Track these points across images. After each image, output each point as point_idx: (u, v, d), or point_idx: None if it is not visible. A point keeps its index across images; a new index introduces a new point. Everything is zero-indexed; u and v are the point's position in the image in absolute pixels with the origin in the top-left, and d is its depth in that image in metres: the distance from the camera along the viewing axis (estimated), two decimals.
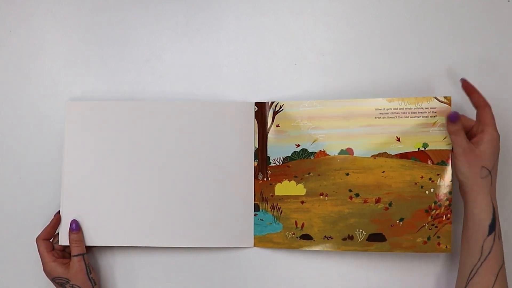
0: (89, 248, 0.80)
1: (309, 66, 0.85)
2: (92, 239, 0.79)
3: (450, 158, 0.77)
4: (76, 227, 0.78)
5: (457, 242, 0.80)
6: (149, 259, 0.83)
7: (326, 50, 0.85)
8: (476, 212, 0.71)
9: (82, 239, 0.78)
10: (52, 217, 0.80)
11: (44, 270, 0.78)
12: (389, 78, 0.84)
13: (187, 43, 0.86)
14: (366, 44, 0.85)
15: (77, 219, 0.79)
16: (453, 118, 0.73)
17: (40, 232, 0.79)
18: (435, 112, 0.78)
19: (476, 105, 0.74)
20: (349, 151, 0.80)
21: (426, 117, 0.79)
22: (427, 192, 0.78)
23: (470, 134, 0.76)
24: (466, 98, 0.76)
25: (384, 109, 0.79)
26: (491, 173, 0.72)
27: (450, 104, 0.78)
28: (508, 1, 0.85)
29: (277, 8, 0.86)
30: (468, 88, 0.75)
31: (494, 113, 0.76)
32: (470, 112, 0.78)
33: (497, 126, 0.74)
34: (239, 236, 0.81)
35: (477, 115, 0.75)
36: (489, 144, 0.72)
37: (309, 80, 0.85)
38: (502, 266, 0.70)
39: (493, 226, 0.70)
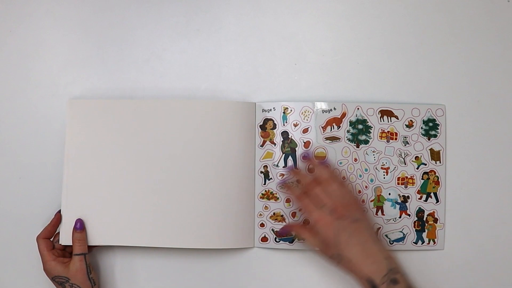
0: (90, 248, 0.80)
1: (309, 66, 0.85)
2: (93, 239, 0.79)
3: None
4: (80, 226, 0.78)
5: (452, 240, 0.81)
6: (149, 260, 0.83)
7: (326, 50, 0.85)
8: (359, 284, 0.71)
9: (85, 238, 0.78)
10: (53, 216, 0.80)
11: (44, 269, 0.78)
12: (389, 78, 0.84)
13: (187, 43, 0.86)
14: (366, 44, 0.85)
15: (81, 218, 0.79)
16: (283, 231, 0.80)
17: (41, 231, 0.79)
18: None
19: (296, 202, 0.77)
20: None
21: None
22: None
23: None
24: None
25: None
26: (342, 253, 0.71)
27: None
28: (508, 1, 0.85)
29: (277, 8, 0.86)
30: (285, 188, 0.80)
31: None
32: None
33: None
34: (240, 237, 0.81)
35: None
36: (320, 237, 0.72)
37: (309, 80, 0.85)
38: None
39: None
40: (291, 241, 0.81)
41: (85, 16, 0.86)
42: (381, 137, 0.82)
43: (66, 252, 0.80)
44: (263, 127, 0.82)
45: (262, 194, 0.82)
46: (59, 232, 0.80)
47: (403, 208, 0.81)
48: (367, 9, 0.85)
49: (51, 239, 0.80)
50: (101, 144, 0.80)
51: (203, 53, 0.85)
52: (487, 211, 0.81)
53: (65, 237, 0.79)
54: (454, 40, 0.85)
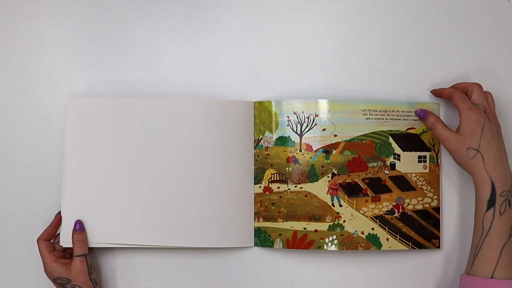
0: (90, 249, 0.80)
1: (309, 66, 0.85)
2: (93, 240, 0.79)
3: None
4: (80, 228, 0.78)
5: (451, 241, 0.82)
6: (150, 260, 0.83)
7: (326, 50, 0.85)
8: (476, 188, 0.74)
9: (85, 239, 0.78)
10: (53, 218, 0.80)
11: (45, 271, 0.78)
12: (389, 78, 0.84)
13: (187, 43, 0.86)
14: (366, 44, 0.85)
15: (80, 220, 0.79)
16: (420, 115, 0.79)
17: (41, 232, 0.79)
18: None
19: (448, 97, 0.79)
20: None
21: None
22: None
23: None
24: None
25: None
26: (480, 150, 0.73)
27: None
28: (508, 1, 0.85)
29: (277, 8, 0.86)
30: (437, 93, 0.81)
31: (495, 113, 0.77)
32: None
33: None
34: (239, 236, 0.81)
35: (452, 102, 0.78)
36: (466, 125, 0.74)
37: (309, 80, 0.85)
38: (506, 243, 0.71)
39: (493, 202, 0.72)
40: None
41: (85, 16, 0.86)
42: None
43: (67, 253, 0.80)
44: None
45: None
46: (59, 234, 0.80)
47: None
48: (367, 9, 0.85)
49: (52, 241, 0.80)
50: (100, 143, 0.80)
51: (203, 53, 0.85)
52: None
53: (65, 239, 0.79)
54: (454, 40, 0.85)
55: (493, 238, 0.71)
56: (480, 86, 0.77)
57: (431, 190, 0.82)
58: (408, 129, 0.81)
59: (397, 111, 0.81)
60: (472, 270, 0.73)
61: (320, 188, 0.81)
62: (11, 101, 0.85)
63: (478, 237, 0.73)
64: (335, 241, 0.80)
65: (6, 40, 0.85)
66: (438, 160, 0.82)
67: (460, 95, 0.76)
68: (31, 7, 0.86)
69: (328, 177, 0.81)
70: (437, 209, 0.82)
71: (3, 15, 0.85)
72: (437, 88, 0.82)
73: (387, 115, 0.81)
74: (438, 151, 0.82)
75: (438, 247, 0.81)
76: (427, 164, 0.82)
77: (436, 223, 0.81)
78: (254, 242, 0.82)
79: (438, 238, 0.81)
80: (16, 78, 0.85)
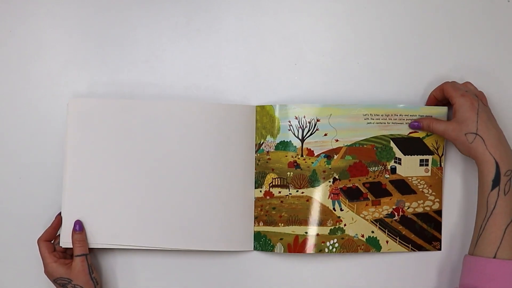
0: (91, 249, 0.80)
1: (309, 66, 0.85)
2: (93, 241, 0.79)
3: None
4: (79, 228, 0.78)
5: (452, 243, 0.82)
6: (150, 260, 0.83)
7: (326, 50, 0.85)
8: (480, 170, 0.74)
9: (85, 239, 0.78)
10: (54, 218, 0.80)
11: (46, 271, 0.78)
12: (389, 78, 0.84)
13: (187, 43, 0.86)
14: (366, 44, 0.85)
15: (79, 220, 0.79)
16: (415, 126, 0.81)
17: (42, 233, 0.79)
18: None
19: (439, 91, 0.80)
20: None
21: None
22: None
23: None
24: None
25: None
26: (479, 133, 0.74)
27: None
28: (508, 1, 0.85)
29: (277, 8, 0.86)
30: (431, 100, 0.82)
31: (494, 113, 0.77)
32: None
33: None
34: (239, 240, 0.81)
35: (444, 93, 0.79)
36: (460, 111, 0.75)
37: (309, 81, 0.85)
38: (510, 223, 0.72)
39: (497, 181, 0.72)
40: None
41: (85, 16, 0.86)
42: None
43: (67, 254, 0.81)
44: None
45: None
46: (59, 235, 0.80)
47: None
48: (367, 9, 0.85)
49: (52, 242, 0.80)
50: (101, 144, 0.80)
51: (203, 53, 0.85)
52: None
53: (65, 240, 0.79)
54: (454, 40, 0.85)
55: (497, 218, 0.72)
56: (468, 82, 0.79)
57: (433, 193, 0.82)
58: (410, 133, 0.82)
59: (400, 115, 0.81)
60: (476, 251, 0.73)
61: (321, 193, 0.81)
62: (11, 101, 0.85)
63: (482, 217, 0.73)
64: (336, 245, 0.80)
65: (6, 40, 0.85)
66: (442, 164, 0.82)
67: (452, 84, 0.77)
68: (31, 7, 0.85)
69: (330, 182, 0.81)
70: (438, 212, 0.82)
71: (3, 15, 0.85)
72: (427, 96, 0.83)
73: (389, 119, 0.81)
74: (442, 154, 0.82)
75: (439, 249, 0.82)
76: (429, 167, 0.82)
77: (438, 226, 0.82)
78: (254, 246, 0.82)
79: (439, 240, 0.82)
80: (16, 78, 0.85)
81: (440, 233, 0.82)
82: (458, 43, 0.85)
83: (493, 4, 0.85)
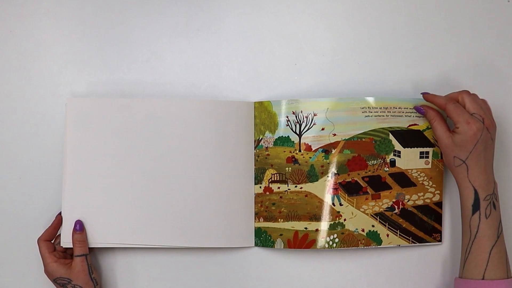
0: (91, 249, 0.80)
1: (309, 66, 0.85)
2: (94, 240, 0.79)
3: None
4: (80, 228, 0.78)
5: (453, 234, 0.83)
6: (150, 259, 0.83)
7: (326, 50, 0.85)
8: (461, 194, 0.75)
9: (85, 239, 0.78)
10: (54, 218, 0.80)
11: (46, 271, 0.78)
12: (389, 78, 0.85)
13: (187, 43, 0.86)
14: (366, 44, 0.85)
15: (80, 220, 0.79)
16: (419, 111, 0.79)
17: (42, 233, 0.79)
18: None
19: (441, 108, 0.76)
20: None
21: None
22: None
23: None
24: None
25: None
26: (466, 162, 0.73)
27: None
28: (508, 1, 0.85)
29: (277, 8, 0.86)
30: (428, 98, 0.78)
31: (493, 113, 0.77)
32: None
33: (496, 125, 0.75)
34: (239, 236, 0.81)
35: (449, 116, 0.76)
36: (460, 137, 0.73)
37: (309, 80, 0.85)
38: (495, 244, 0.72)
39: (476, 206, 0.73)
40: None
41: (85, 16, 0.86)
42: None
43: (67, 253, 0.80)
44: None
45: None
46: (60, 234, 0.80)
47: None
48: (367, 9, 0.85)
49: (52, 242, 0.80)
50: (101, 143, 0.80)
51: (203, 53, 0.85)
52: None
53: (66, 239, 0.79)
54: (454, 40, 0.85)
55: (482, 241, 0.72)
56: (468, 93, 0.76)
57: (433, 185, 0.81)
58: (410, 125, 0.81)
59: (399, 108, 0.80)
60: (464, 274, 0.74)
61: (320, 188, 0.81)
62: (11, 101, 0.85)
63: (466, 241, 0.74)
64: (336, 240, 0.80)
65: (6, 40, 0.85)
66: (443, 156, 0.79)
67: (455, 107, 0.74)
68: (31, 7, 0.85)
69: (328, 176, 0.81)
70: (439, 204, 0.82)
71: (3, 15, 0.85)
72: (428, 92, 0.79)
73: (387, 112, 0.80)
74: None
75: (440, 241, 0.82)
76: (430, 159, 0.81)
77: (438, 218, 0.82)
78: (255, 242, 0.82)
79: (439, 232, 0.82)
80: (16, 78, 0.85)
81: (441, 225, 0.82)
82: (458, 43, 0.85)
83: (493, 4, 0.85)
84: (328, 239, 0.80)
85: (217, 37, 0.86)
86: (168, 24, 0.86)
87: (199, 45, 0.86)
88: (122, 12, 0.86)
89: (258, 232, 0.81)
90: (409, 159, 0.81)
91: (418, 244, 0.81)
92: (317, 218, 0.80)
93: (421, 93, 0.79)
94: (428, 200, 0.82)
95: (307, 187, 0.81)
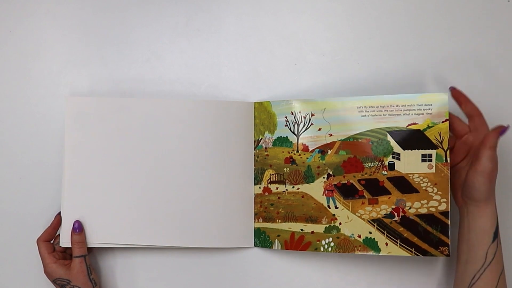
0: (90, 249, 0.80)
1: (309, 66, 0.85)
2: (93, 240, 0.79)
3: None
4: (79, 228, 0.78)
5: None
6: (149, 260, 0.83)
7: (326, 50, 0.85)
8: (482, 221, 0.72)
9: (84, 240, 0.78)
10: (53, 218, 0.80)
11: (45, 272, 0.78)
12: (389, 78, 0.84)
13: (187, 43, 0.86)
14: (366, 44, 0.85)
15: (79, 220, 0.79)
16: (452, 90, 0.75)
17: (41, 233, 0.79)
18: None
19: (468, 115, 0.73)
20: None
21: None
22: None
23: (466, 141, 0.75)
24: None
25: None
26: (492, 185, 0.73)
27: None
28: (508, 1, 0.85)
29: (277, 8, 0.86)
30: (459, 97, 0.74)
31: (494, 113, 0.77)
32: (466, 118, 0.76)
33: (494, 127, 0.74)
34: (239, 237, 0.81)
35: (471, 124, 0.73)
36: (486, 163, 0.71)
37: (309, 80, 0.85)
38: (503, 269, 0.72)
39: (497, 233, 0.71)
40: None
41: (85, 16, 0.86)
42: None
43: (67, 254, 0.81)
44: None
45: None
46: (59, 235, 0.80)
47: None
48: (367, 9, 0.85)
49: (52, 242, 0.80)
50: (100, 143, 0.80)
51: (203, 53, 0.85)
52: None
53: (65, 239, 0.79)
54: (454, 40, 0.85)
55: (494, 268, 0.71)
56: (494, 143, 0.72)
57: (438, 193, 0.75)
58: (409, 124, 0.76)
59: (396, 106, 0.76)
60: None
61: (316, 189, 0.80)
62: (11, 101, 0.85)
63: (477, 267, 0.71)
64: (331, 244, 0.78)
65: (6, 40, 0.85)
66: (448, 158, 0.75)
67: (484, 120, 0.73)
68: (31, 7, 0.86)
69: (324, 178, 0.79)
70: (445, 213, 0.74)
71: (3, 15, 0.85)
72: (457, 88, 0.75)
73: (384, 110, 0.77)
74: (448, 148, 0.75)
75: (448, 255, 0.74)
76: (433, 163, 0.75)
77: (445, 229, 0.74)
78: (254, 242, 0.82)
79: (447, 245, 0.74)
80: (16, 78, 0.85)
81: (448, 237, 0.74)
82: (458, 44, 0.85)
83: (493, 4, 0.85)
84: (323, 242, 0.78)
85: (217, 37, 0.86)
86: (168, 24, 0.86)
87: (199, 45, 0.86)
88: (122, 12, 0.86)
89: (258, 232, 0.81)
90: (410, 163, 0.76)
91: (422, 256, 0.75)
92: (312, 220, 0.79)
93: (450, 88, 0.75)
94: (433, 209, 0.75)
95: (304, 188, 0.80)
